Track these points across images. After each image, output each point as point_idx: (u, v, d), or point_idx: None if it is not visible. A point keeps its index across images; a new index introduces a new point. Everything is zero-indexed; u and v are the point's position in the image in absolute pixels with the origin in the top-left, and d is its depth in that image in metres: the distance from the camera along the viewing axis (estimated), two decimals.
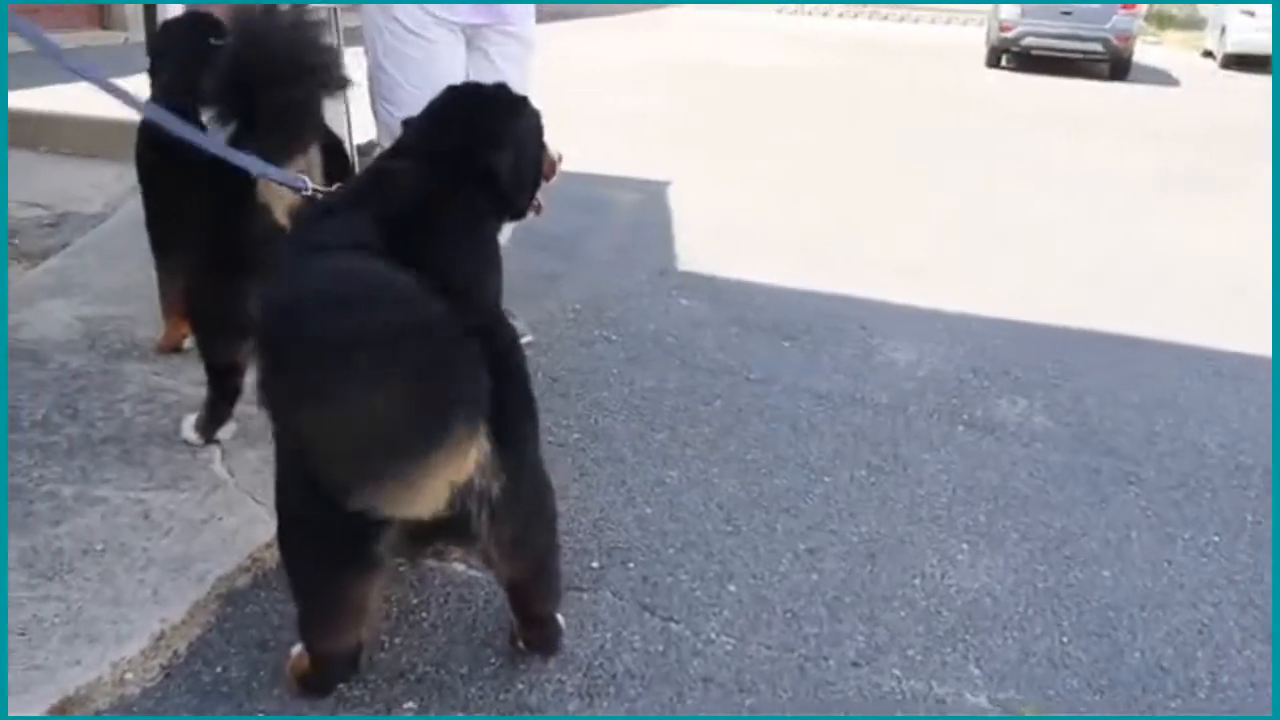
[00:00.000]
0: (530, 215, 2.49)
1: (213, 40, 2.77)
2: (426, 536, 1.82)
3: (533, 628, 2.18)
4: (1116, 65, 15.14)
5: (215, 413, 2.84)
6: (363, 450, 1.48)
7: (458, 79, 3.16)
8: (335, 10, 3.98)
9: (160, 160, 2.80)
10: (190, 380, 3.10)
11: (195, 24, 3.00)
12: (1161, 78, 15.64)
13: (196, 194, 2.59)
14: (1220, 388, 3.79)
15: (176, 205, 2.77)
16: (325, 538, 1.79)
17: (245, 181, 2.42)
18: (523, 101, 2.45)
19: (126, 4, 9.44)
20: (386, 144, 3.20)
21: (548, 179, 2.50)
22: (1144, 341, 4.11)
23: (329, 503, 1.54)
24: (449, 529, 1.76)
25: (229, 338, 2.71)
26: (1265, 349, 4.11)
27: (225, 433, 2.85)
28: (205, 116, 2.43)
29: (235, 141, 2.41)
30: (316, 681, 2.05)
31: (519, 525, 1.87)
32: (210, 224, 2.62)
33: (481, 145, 2.25)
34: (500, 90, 2.42)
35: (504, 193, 2.28)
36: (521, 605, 2.16)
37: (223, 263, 2.59)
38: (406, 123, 2.38)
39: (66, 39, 9.16)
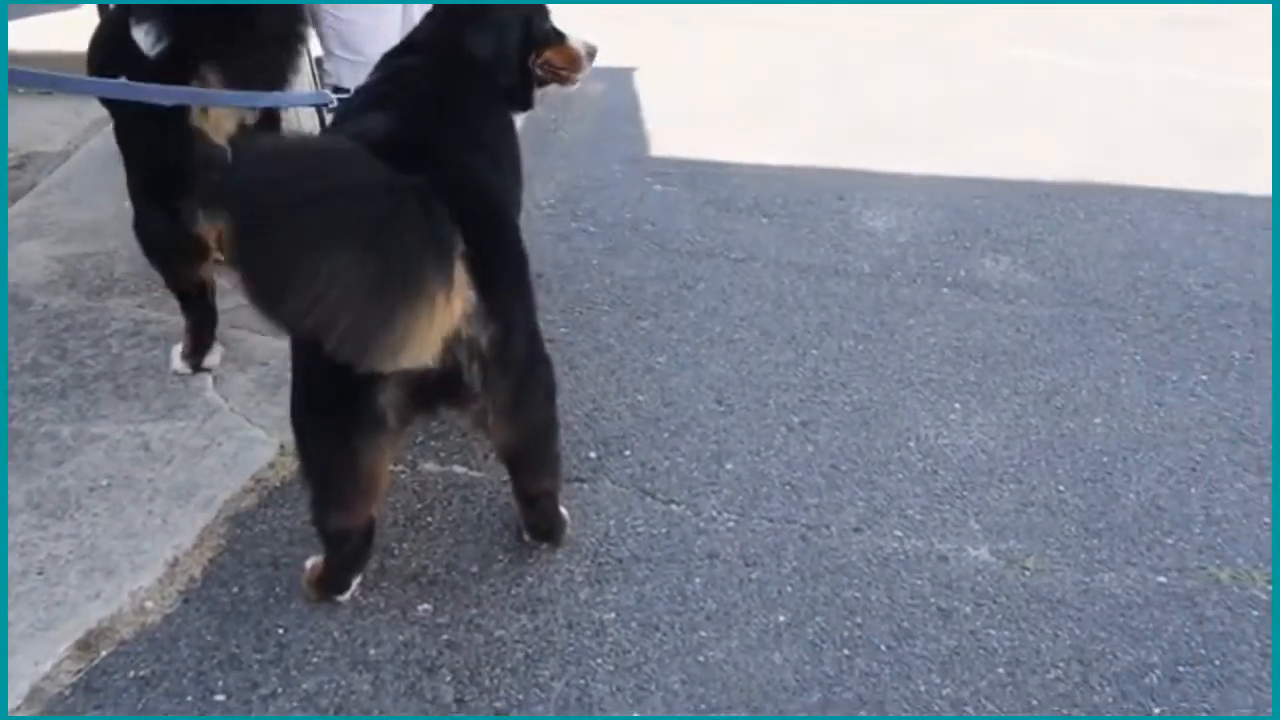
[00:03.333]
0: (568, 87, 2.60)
1: None
2: (424, 395, 1.84)
3: (535, 509, 2.22)
4: None
5: (198, 339, 2.84)
6: (331, 306, 1.49)
7: (400, 12, 3.11)
8: None
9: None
10: (174, 310, 3.09)
11: None
12: None
13: (132, 121, 2.56)
14: (1201, 228, 3.79)
15: (120, 135, 2.73)
16: (329, 398, 1.84)
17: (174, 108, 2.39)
18: None
19: None
20: (341, 51, 3.16)
21: (563, 68, 2.55)
22: (1123, 189, 4.09)
23: (329, 361, 1.58)
24: (444, 385, 1.80)
25: (183, 262, 2.72)
26: (1242, 187, 4.09)
27: (213, 359, 2.85)
28: (137, 32, 2.36)
29: (170, 59, 2.37)
30: (332, 574, 2.10)
31: (513, 382, 1.90)
32: (144, 152, 2.62)
33: (463, 29, 2.34)
34: None
35: (492, 76, 2.36)
36: (522, 482, 2.19)
37: (162, 190, 2.58)
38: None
39: None
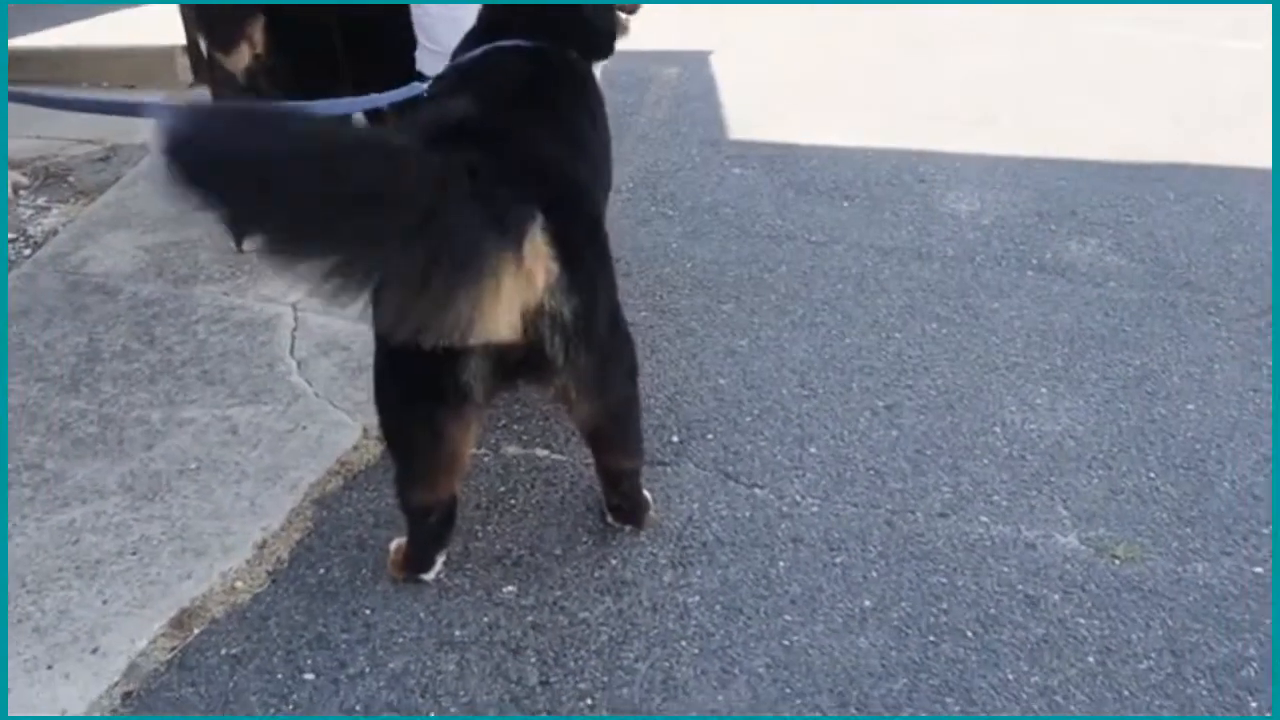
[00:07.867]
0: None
1: None
2: (508, 368, 1.84)
3: (619, 490, 2.22)
4: None
5: None
6: (387, 300, 1.55)
7: None
8: None
9: None
10: (258, 297, 3.14)
11: None
12: None
13: None
14: None
15: None
16: (412, 372, 1.85)
17: None
18: None
19: None
20: (425, 41, 3.17)
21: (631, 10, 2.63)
22: (1214, 169, 3.97)
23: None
24: (528, 359, 1.80)
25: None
26: None
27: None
28: None
29: None
30: (416, 552, 2.12)
31: (596, 356, 1.89)
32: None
33: None
34: None
35: (594, 34, 2.40)
36: (606, 460, 2.19)
37: None
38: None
39: None
